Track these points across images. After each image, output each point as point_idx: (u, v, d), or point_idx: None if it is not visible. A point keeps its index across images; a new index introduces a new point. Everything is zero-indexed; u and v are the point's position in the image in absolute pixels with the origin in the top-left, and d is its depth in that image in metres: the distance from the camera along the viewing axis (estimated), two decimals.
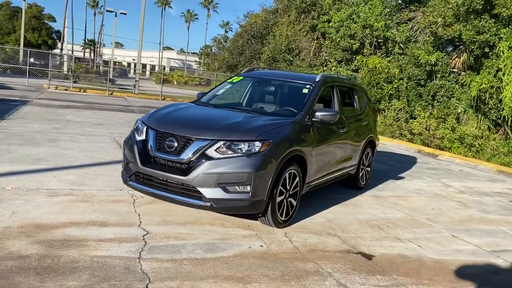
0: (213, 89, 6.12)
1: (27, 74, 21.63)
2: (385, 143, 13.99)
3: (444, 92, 16.95)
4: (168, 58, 75.35)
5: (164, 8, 75.10)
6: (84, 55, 69.39)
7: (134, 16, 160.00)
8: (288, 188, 4.64)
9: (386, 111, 17.20)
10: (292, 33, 25.23)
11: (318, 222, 5.02)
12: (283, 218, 4.64)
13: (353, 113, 6.53)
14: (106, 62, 56.67)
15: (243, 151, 4.18)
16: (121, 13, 36.69)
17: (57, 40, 59.55)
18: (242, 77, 6.15)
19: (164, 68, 67.05)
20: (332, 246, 4.32)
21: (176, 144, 4.27)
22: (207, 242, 4.03)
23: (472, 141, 12.83)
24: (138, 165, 4.41)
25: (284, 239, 4.35)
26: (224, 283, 3.27)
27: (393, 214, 5.76)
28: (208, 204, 4.11)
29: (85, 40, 67.63)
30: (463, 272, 4.06)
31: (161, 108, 5.18)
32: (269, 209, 4.41)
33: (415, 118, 16.14)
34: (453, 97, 16.51)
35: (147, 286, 3.08)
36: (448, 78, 17.26)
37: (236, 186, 4.13)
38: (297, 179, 4.78)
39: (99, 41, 67.73)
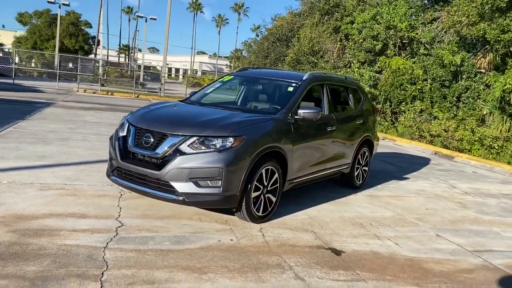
0: (204, 87, 6.26)
1: (57, 78, 22.50)
2: (402, 145, 13.78)
3: (470, 93, 16.49)
4: (200, 62, 76.52)
5: (196, 14, 76.35)
6: (118, 59, 71.27)
7: (171, 22, 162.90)
8: (265, 184, 4.71)
9: (407, 112, 16.91)
10: (316, 35, 25.16)
11: (299, 219, 5.06)
12: (260, 214, 4.71)
13: (346, 112, 6.52)
14: (139, 67, 58.03)
15: (217, 146, 4.28)
16: (151, 18, 37.58)
17: (93, 46, 61.58)
18: (232, 76, 6.27)
19: (196, 72, 68.16)
20: (304, 242, 4.35)
21: (152, 140, 4.42)
22: (177, 235, 4.15)
23: (491, 143, 12.45)
24: (118, 160, 4.60)
25: (257, 234, 4.42)
26: (179, 273, 3.38)
27: (381, 213, 5.72)
28: (181, 198, 4.24)
29: (119, 45, 69.57)
30: (433, 270, 4.01)
31: (147, 106, 5.35)
32: (244, 204, 4.49)
33: (442, 120, 15.78)
34: (479, 98, 16.04)
35: (102, 273, 3.22)
36: (474, 79, 16.79)
37: (208, 181, 4.23)
38: (276, 175, 4.84)
39: (133, 46, 69.52)
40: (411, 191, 7.25)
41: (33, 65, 51.69)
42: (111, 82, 32.65)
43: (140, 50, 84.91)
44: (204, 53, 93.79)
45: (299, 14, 29.31)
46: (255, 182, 4.55)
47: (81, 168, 6.27)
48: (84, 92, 22.13)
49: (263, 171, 4.64)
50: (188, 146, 4.28)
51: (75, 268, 3.25)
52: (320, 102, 5.97)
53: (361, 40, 20.67)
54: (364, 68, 21.06)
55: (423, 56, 18.88)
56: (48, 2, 34.26)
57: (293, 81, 5.69)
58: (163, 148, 4.32)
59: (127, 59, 72.14)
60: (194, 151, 4.25)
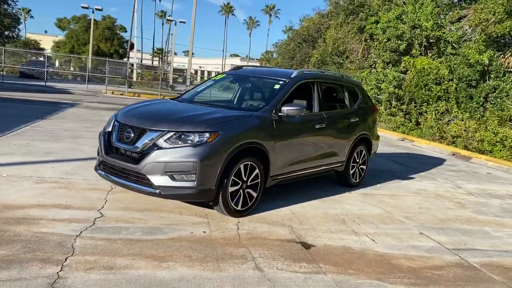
0: (197, 86, 6.42)
1: (87, 80, 23.31)
2: (420, 146, 13.54)
3: (498, 93, 15.97)
4: (231, 65, 77.22)
5: (228, 16, 77.16)
6: (152, 62, 72.84)
7: (203, 25, 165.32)
8: (244, 179, 4.80)
9: (428, 113, 16.57)
10: (342, 35, 24.99)
11: (281, 214, 5.12)
12: (239, 208, 4.81)
13: (339, 110, 6.52)
14: (174, 70, 58.92)
15: (192, 142, 4.41)
16: (180, 21, 38.32)
17: (129, 49, 63.20)
18: (224, 75, 6.40)
19: None
20: (277, 235, 4.42)
21: (132, 135, 4.60)
22: (152, 226, 4.31)
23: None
24: (103, 154, 4.81)
25: (232, 227, 4.52)
26: (141, 260, 3.52)
27: (370, 210, 5.70)
28: (157, 191, 4.39)
29: (153, 48, 71.16)
30: (401, 266, 4.00)
31: (137, 103, 5.56)
32: (220, 198, 4.60)
33: (462, 120, 15.38)
34: (508, 98, 15.53)
35: (66, 259, 3.41)
36: (502, 79, 16.27)
37: (183, 175, 4.37)
38: (257, 171, 4.92)
39: (166, 49, 70.93)
40: (411, 190, 7.16)
41: (71, 68, 53.68)
42: (142, 84, 33.48)
43: (176, 54, 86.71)
44: (237, 55, 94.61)
45: (326, 15, 29.18)
46: (232, 177, 4.64)
47: (82, 163, 6.54)
48: (112, 93, 22.83)
49: (242, 166, 4.73)
50: (165, 141, 4.43)
51: (42, 253, 3.45)
52: (311, 100, 6.01)
53: (385, 40, 20.39)
54: (388, 68, 20.77)
55: (451, 55, 18.42)
56: (82, 7, 35.46)
57: (280, 79, 5.76)
58: (142, 143, 4.49)
59: (160, 62, 73.68)
60: (170, 146, 4.40)
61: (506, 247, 4.85)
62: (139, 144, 4.51)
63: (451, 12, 19.86)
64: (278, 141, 5.15)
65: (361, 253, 4.19)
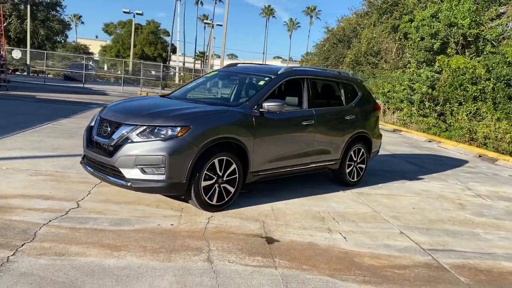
0: (189, 82, 6.52)
1: (122, 82, 24.10)
2: (446, 147, 13.06)
3: None
4: None
5: (268, 19, 77.37)
6: (194, 66, 74.26)
7: (247, 28, 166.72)
8: (219, 174, 4.83)
9: (460, 113, 15.92)
10: (376, 35, 24.49)
11: (259, 210, 5.10)
12: (213, 203, 4.84)
13: (331, 107, 6.42)
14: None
15: (164, 136, 4.50)
16: (217, 25, 38.84)
17: (171, 53, 64.89)
18: (216, 72, 6.45)
19: None
20: (246, 230, 4.41)
21: (109, 129, 4.75)
22: (122, 218, 4.42)
23: None
24: (85, 148, 4.99)
25: (203, 221, 4.56)
26: (94, 249, 3.63)
27: (357, 209, 5.57)
28: (129, 184, 4.51)
29: (195, 51, 72.55)
30: (363, 264, 3.89)
31: (125, 99, 5.72)
32: (192, 192, 4.65)
33: (492, 121, 14.67)
34: None
35: (23, 244, 3.57)
36: None
37: (153, 168, 4.46)
38: (234, 166, 4.94)
39: (208, 52, 72.09)
40: (413, 191, 6.93)
41: (118, 72, 55.71)
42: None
43: (219, 57, 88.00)
44: (280, 57, 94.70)
45: (363, 14, 28.67)
46: (205, 171, 4.68)
47: None
48: (146, 95, 23.47)
49: (216, 161, 4.77)
50: (137, 135, 4.53)
51: (3, 238, 3.63)
52: (301, 97, 5.96)
53: (418, 39, 19.80)
54: (421, 68, 20.16)
55: (490, 54, 17.63)
56: (124, 12, 36.71)
57: (267, 75, 5.75)
58: (116, 136, 4.62)
59: (202, 65, 74.99)
60: (141, 140, 4.50)
61: (490, 249, 4.61)
62: (114, 138, 4.64)
63: (489, 9, 18.99)
64: (258, 137, 5.14)
65: (325, 250, 4.11)
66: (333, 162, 6.38)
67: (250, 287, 3.25)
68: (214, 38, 70.58)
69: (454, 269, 3.99)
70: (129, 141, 4.53)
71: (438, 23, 19.11)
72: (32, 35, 37.89)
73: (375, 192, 6.55)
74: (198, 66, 76.64)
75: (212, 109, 5.05)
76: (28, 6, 35.74)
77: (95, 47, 71.41)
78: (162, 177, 4.47)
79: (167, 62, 57.34)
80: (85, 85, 24.01)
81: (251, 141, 5.07)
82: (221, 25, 37.78)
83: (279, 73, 5.75)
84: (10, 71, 33.73)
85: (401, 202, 6.16)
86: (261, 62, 74.89)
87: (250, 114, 5.12)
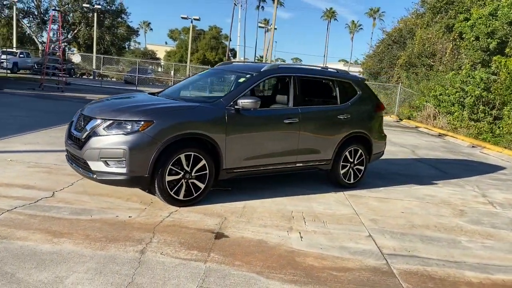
0: (184, 80, 6.64)
1: (172, 84, 24.92)
2: (487, 153, 12.25)
3: None
4: None
5: (330, 21, 76.40)
6: None
7: (309, 31, 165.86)
8: (186, 169, 4.88)
9: (510, 117, 14.78)
10: (431, 35, 23.42)
11: (231, 207, 5.09)
12: (180, 198, 4.89)
13: (322, 106, 6.26)
14: None
15: (128, 130, 4.63)
16: (274, 28, 39.02)
17: (232, 57, 66.20)
18: (208, 70, 6.52)
19: None
20: (201, 225, 4.42)
21: (82, 123, 4.97)
22: (85, 208, 4.60)
23: None
24: (65, 141, 5.25)
25: (163, 215, 4.63)
26: (38, 234, 3.82)
27: (337, 210, 5.38)
28: (94, 176, 4.69)
29: (255, 56, 73.30)
30: (301, 263, 3.76)
31: (112, 96, 5.95)
32: (156, 186, 4.74)
33: None
34: None
35: None
36: None
37: (115, 161, 4.60)
38: (203, 162, 4.97)
39: (267, 56, 72.67)
40: (415, 195, 6.56)
41: (179, 75, 57.64)
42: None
43: (284, 61, 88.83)
44: (345, 61, 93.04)
45: (419, 14, 27.52)
46: (170, 166, 4.75)
47: None
48: None
49: (182, 156, 4.82)
50: (104, 129, 4.70)
51: None
52: (287, 95, 5.88)
53: (472, 38, 18.70)
54: (477, 69, 18.98)
55: None
56: (182, 18, 37.96)
57: (249, 72, 5.73)
58: (86, 131, 4.82)
59: None
60: (106, 133, 4.67)
61: (461, 258, 4.26)
62: (84, 132, 4.84)
63: None
64: (231, 134, 5.13)
65: (271, 248, 4.02)
66: (324, 162, 6.20)
67: (165, 278, 3.26)
68: (276, 42, 71.07)
69: (403, 275, 3.74)
70: (96, 134, 4.71)
71: (496, 21, 17.92)
72: (98, 41, 40.29)
73: (370, 195, 6.28)
74: None
75: (180, 105, 5.12)
76: (95, 14, 38.03)
77: (161, 53, 74.54)
78: (123, 170, 4.60)
79: None
80: (138, 88, 25.12)
81: (222, 138, 5.07)
82: (276, 29, 37.99)
83: (261, 70, 5.71)
84: (78, 75, 36.13)
85: (393, 206, 5.86)
86: (321, 65, 74.01)
87: (223, 111, 5.13)
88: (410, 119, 21.60)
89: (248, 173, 5.52)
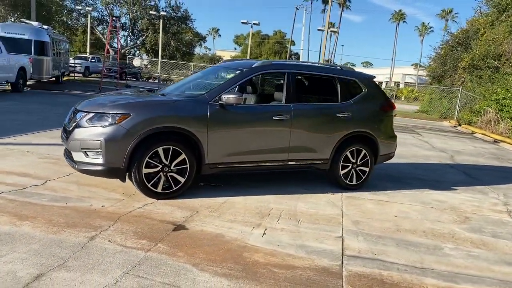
0: (188, 76, 6.78)
1: None
2: None
3: None
4: (403, 74, 73.55)
5: (398, 24, 73.81)
6: None
7: (378, 35, 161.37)
8: (165, 162, 4.96)
9: None
10: (497, 35, 21.87)
11: (210, 202, 5.08)
12: (158, 190, 4.97)
13: (318, 103, 6.08)
14: None
15: (106, 122, 4.81)
16: (331, 31, 38.45)
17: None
18: (209, 67, 6.59)
19: (398, 84, 66.00)
20: (166, 217, 4.46)
21: (72, 117, 5.22)
22: (66, 196, 4.82)
23: None
24: (60, 135, 5.55)
25: (136, 206, 4.73)
26: (5, 217, 4.05)
27: (321, 211, 5.21)
28: (76, 166, 4.91)
29: (319, 60, 72.38)
30: (246, 258, 3.68)
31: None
32: (133, 178, 4.86)
33: None
34: None
35: None
36: None
37: (93, 152, 4.79)
38: (183, 156, 5.03)
39: (333, 60, 71.73)
40: (421, 200, 6.17)
41: None
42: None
43: (354, 65, 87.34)
44: (419, 64, 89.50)
45: (484, 14, 25.79)
46: (147, 159, 4.85)
47: None
48: None
49: (160, 149, 4.90)
50: (86, 121, 4.91)
51: None
52: (281, 91, 5.80)
53: None
54: None
55: None
56: (242, 23, 38.55)
57: (239, 68, 5.72)
58: (73, 123, 5.06)
59: None
60: (87, 126, 4.87)
61: (431, 265, 3.94)
62: (71, 124, 5.09)
63: None
64: (213, 129, 5.14)
65: (224, 242, 3.98)
66: (320, 162, 6.02)
67: (96, 263, 3.34)
68: (342, 45, 69.86)
69: (351, 277, 3.54)
70: (79, 126, 4.93)
71: None
72: (164, 47, 42.03)
73: (370, 197, 6.00)
74: None
75: (159, 99, 5.22)
76: (161, 21, 39.74)
77: (228, 58, 76.38)
78: (100, 161, 4.77)
79: None
80: None
81: (203, 133, 5.09)
82: (335, 32, 37.39)
83: (253, 66, 5.67)
84: (144, 78, 37.92)
85: (389, 209, 5.55)
86: (397, 70, 71.77)
87: (205, 106, 5.15)
88: (470, 124, 20.33)
89: (234, 169, 5.50)
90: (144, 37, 42.83)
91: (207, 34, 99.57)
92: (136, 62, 32.00)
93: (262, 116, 5.53)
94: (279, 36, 67.52)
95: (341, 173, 6.17)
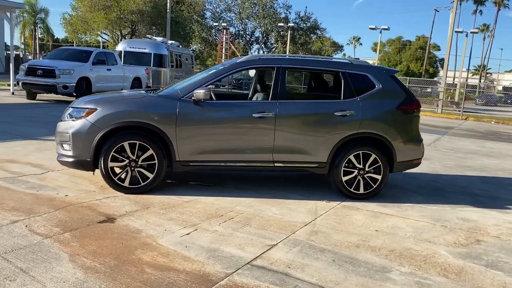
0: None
1: None
2: None
3: None
4: None
5: None
6: (466, 80, 67.29)
7: None
8: (132, 157, 5.00)
9: None
10: None
11: (175, 200, 4.94)
12: (125, 185, 5.04)
13: (313, 100, 5.50)
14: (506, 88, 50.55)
15: (76, 117, 5.06)
16: (471, 32, 34.54)
17: (439, 68, 60.92)
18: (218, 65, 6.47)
19: None
20: (108, 210, 4.45)
21: None
22: (44, 185, 5.16)
23: None
24: None
25: (97, 198, 4.84)
26: None
27: (290, 218, 4.67)
28: (56, 157, 5.25)
29: (468, 65, 65.76)
30: (132, 254, 3.47)
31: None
32: (100, 171, 5.00)
33: None
34: None
35: None
36: None
37: (66, 145, 5.07)
38: (150, 152, 5.02)
39: (487, 66, 64.30)
40: (439, 217, 5.12)
41: None
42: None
43: None
44: None
45: None
46: (112, 153, 4.95)
47: None
48: None
49: (126, 144, 4.96)
50: (67, 115, 5.22)
51: None
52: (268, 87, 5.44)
53: None
54: None
55: None
56: (370, 29, 37.07)
57: (226, 63, 5.50)
58: None
59: (483, 80, 67.00)
60: (65, 120, 5.18)
61: (344, 284, 3.22)
62: None
63: None
64: (183, 125, 5.03)
65: (132, 238, 3.82)
66: (315, 165, 5.42)
67: None
68: (502, 49, 61.83)
69: (220, 286, 3.09)
70: (60, 120, 5.26)
71: None
72: None
73: (369, 209, 5.20)
74: (476, 81, 69.18)
75: (129, 95, 5.27)
76: (289, 32, 40.51)
77: None
78: (70, 153, 5.02)
79: (435, 78, 54.30)
80: None
81: (172, 129, 5.01)
82: (476, 32, 33.56)
83: (238, 61, 5.40)
84: None
85: (378, 223, 4.73)
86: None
87: (175, 102, 5.06)
88: None
89: (209, 168, 5.28)
90: (274, 49, 44.11)
91: (347, 43, 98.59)
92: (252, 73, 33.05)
93: (239, 113, 5.21)
94: (422, 41, 63.14)
95: (344, 180, 5.45)
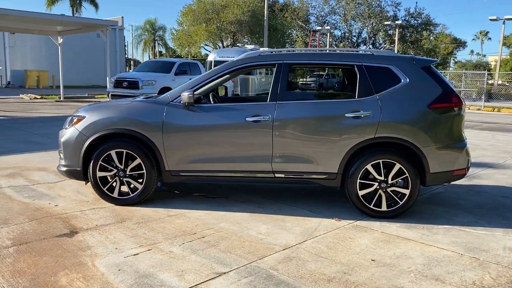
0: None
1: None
2: None
3: None
4: None
5: None
6: None
7: None
8: (120, 166, 4.75)
9: None
10: None
11: (160, 213, 4.59)
12: (114, 195, 4.79)
13: (320, 100, 4.68)
14: None
15: (69, 125, 4.96)
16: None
17: None
18: None
19: None
20: (83, 222, 4.23)
21: None
22: (46, 194, 5.16)
23: None
24: None
25: (83, 209, 4.66)
26: None
27: (274, 240, 3.96)
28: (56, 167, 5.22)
29: None
30: (52, 277, 3.15)
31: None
32: (89, 180, 4.83)
33: None
34: None
35: None
36: None
37: (61, 153, 4.99)
38: (138, 161, 4.72)
39: None
40: (476, 245, 3.95)
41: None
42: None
43: None
44: None
45: None
46: (100, 162, 4.74)
47: None
48: (468, 109, 20.78)
49: (113, 153, 4.72)
50: (68, 123, 5.15)
51: None
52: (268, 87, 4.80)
53: None
54: None
55: None
56: (490, 20, 33.08)
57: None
58: None
59: None
60: (64, 128, 5.11)
61: None
62: None
63: None
64: (170, 133, 4.65)
65: (73, 256, 3.48)
66: (324, 176, 4.61)
67: None
68: None
69: None
70: (61, 129, 5.21)
71: None
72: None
73: (383, 231, 4.24)
74: None
75: (118, 102, 5.02)
76: (397, 30, 38.06)
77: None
78: (63, 162, 4.92)
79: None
80: None
81: (158, 136, 4.65)
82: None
83: (234, 60, 4.85)
84: None
85: (383, 251, 3.77)
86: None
87: (162, 107, 4.69)
88: None
89: (203, 179, 4.78)
90: (382, 49, 41.91)
91: (473, 39, 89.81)
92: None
93: (231, 117, 4.64)
94: None
95: (360, 194, 4.56)
